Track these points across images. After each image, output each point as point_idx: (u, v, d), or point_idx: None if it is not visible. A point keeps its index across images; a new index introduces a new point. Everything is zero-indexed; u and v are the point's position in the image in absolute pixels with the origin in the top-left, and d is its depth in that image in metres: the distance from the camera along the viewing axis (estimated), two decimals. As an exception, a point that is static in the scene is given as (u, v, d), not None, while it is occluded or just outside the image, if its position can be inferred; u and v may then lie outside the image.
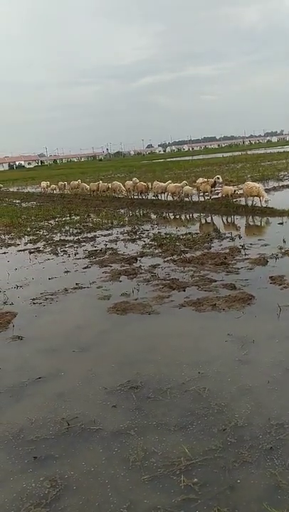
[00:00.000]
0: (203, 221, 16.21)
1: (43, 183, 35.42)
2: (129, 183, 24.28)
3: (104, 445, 4.14)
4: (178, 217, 17.49)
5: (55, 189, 33.13)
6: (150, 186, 22.40)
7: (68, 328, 7.05)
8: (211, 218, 16.41)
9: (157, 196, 21.90)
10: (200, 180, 19.85)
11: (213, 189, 18.92)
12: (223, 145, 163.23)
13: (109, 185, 26.32)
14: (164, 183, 21.82)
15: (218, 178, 18.89)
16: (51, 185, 33.87)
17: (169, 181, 22.21)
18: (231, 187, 18.43)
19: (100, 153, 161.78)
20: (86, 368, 5.62)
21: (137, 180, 23.62)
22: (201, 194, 19.49)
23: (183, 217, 17.37)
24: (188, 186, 19.81)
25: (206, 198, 19.20)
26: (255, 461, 3.72)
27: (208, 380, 5.06)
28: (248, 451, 3.85)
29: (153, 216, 17.98)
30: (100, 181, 27.68)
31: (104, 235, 14.43)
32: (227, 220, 15.73)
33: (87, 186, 28.56)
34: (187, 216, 17.43)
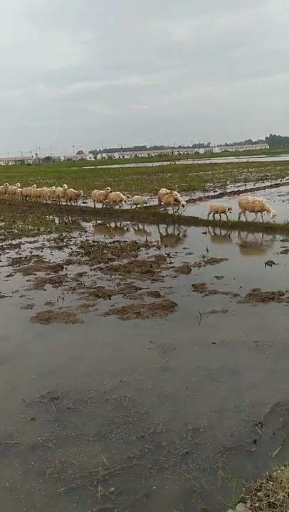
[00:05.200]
0: (131, 229, 16.37)
1: None
2: (59, 189, 23.93)
3: (21, 459, 4.03)
4: (107, 225, 17.53)
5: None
6: (81, 193, 22.31)
7: (-13, 339, 6.78)
8: (139, 227, 16.64)
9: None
10: (163, 190, 19.01)
11: (176, 203, 17.39)
12: (153, 154, 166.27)
13: (39, 190, 25.77)
14: (94, 190, 21.83)
15: (183, 205, 17.29)
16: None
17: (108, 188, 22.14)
18: (221, 204, 16.52)
19: (28, 158, 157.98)
20: (4, 380, 5.44)
21: (66, 187, 23.37)
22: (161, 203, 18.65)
23: (112, 225, 17.44)
24: (115, 193, 19.95)
25: (137, 207, 19.31)
26: (171, 467, 3.81)
27: (130, 388, 5.10)
28: (165, 456, 3.93)
29: (81, 223, 17.87)
30: (34, 186, 26.93)
31: (30, 242, 14.10)
32: (155, 228, 16.03)
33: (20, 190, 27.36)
34: (116, 224, 17.53)
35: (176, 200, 17.40)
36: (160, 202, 18.81)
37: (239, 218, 15.17)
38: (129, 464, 3.87)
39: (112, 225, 17.42)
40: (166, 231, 15.44)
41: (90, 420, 4.54)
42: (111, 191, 20.62)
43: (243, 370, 5.41)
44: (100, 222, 18.14)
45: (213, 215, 15.80)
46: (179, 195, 17.97)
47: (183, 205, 17.13)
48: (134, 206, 19.36)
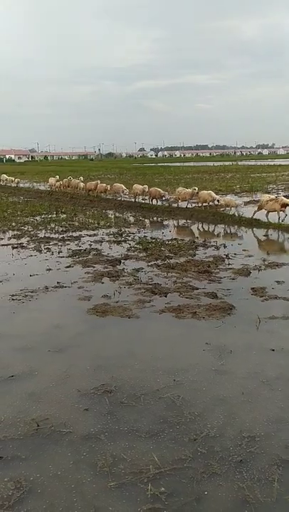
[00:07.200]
0: (189, 228, 16.22)
1: (52, 179, 32.20)
2: (139, 187, 23.37)
3: (73, 449, 4.06)
4: (165, 222, 17.47)
5: (60, 186, 30.42)
6: (165, 194, 21.13)
7: (46, 327, 6.94)
8: (198, 226, 16.45)
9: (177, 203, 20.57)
10: (266, 197, 16.49)
11: (283, 209, 15.17)
12: (214, 154, 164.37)
13: (109, 186, 25.48)
14: (179, 188, 20.94)
15: None
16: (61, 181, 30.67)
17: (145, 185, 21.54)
18: None
19: (91, 153, 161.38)
20: (61, 368, 5.53)
21: (147, 187, 22.59)
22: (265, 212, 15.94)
23: (170, 222, 17.37)
24: (206, 192, 19.09)
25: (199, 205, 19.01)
26: (224, 473, 3.69)
27: (183, 388, 5.02)
28: (218, 462, 3.81)
29: (140, 220, 17.93)
30: (98, 181, 27.29)
31: (90, 235, 14.34)
32: (213, 228, 15.79)
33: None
34: (174, 222, 17.44)
35: (282, 205, 15.03)
36: (261, 209, 15.98)
37: None
38: (181, 466, 3.79)
39: (171, 222, 17.33)
40: (226, 232, 15.13)
41: (143, 417, 4.50)
42: (198, 191, 19.38)
43: (303, 380, 5.17)
44: (158, 219, 18.11)
45: None
46: (287, 200, 15.45)
47: None
48: (226, 208, 17.55)
